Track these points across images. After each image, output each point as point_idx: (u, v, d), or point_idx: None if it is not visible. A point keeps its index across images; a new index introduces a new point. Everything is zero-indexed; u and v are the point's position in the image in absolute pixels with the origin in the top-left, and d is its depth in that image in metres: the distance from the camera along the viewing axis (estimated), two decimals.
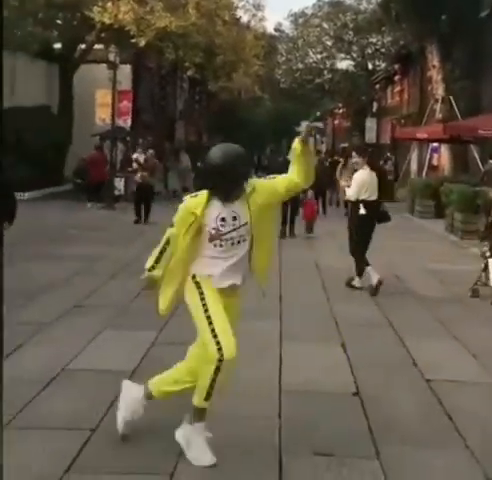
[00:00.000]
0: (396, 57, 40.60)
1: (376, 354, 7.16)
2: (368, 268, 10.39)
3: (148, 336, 7.50)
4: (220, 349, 4.35)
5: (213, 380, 4.41)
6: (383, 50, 48.91)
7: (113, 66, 24.67)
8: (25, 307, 8.77)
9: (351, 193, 10.54)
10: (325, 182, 21.17)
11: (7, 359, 6.52)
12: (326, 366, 6.68)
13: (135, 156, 20.33)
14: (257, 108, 65.33)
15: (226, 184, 4.44)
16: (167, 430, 4.90)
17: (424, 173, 28.83)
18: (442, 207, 20.26)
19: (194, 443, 4.54)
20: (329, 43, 52.26)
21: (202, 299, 4.52)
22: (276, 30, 53.65)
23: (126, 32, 25.37)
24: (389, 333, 8.06)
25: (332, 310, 9.07)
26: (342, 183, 11.28)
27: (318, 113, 72.09)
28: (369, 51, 50.61)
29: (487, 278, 10.24)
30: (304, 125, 4.52)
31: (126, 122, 28.30)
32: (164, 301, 4.72)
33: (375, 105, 46.81)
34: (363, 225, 10.51)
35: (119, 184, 24.73)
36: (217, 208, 4.50)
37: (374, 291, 10.17)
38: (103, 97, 26.45)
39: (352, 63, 52.25)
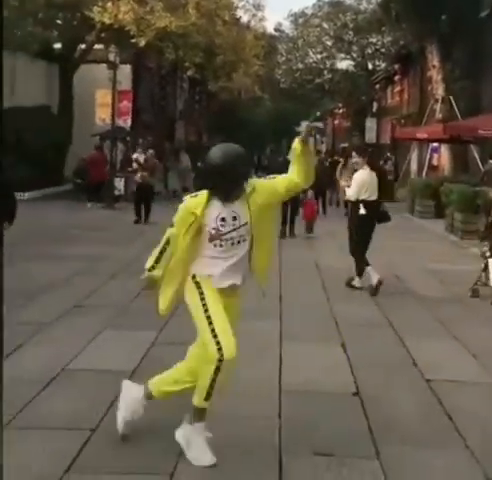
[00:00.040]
0: (396, 57, 40.60)
1: (376, 354, 7.16)
2: (368, 268, 10.39)
3: (148, 336, 7.50)
4: (220, 349, 4.34)
5: (213, 380, 4.41)
6: (383, 50, 48.91)
7: (113, 66, 24.68)
8: (25, 307, 8.77)
9: (351, 193, 10.54)
10: (325, 182, 21.18)
11: (7, 359, 6.52)
12: (326, 366, 6.68)
13: (135, 156, 20.33)
14: (257, 108, 65.34)
15: (226, 184, 4.44)
16: (167, 430, 4.90)
17: (424, 173, 28.83)
18: (442, 207, 20.26)
19: (194, 443, 4.54)
20: (329, 43, 52.26)
21: (202, 299, 4.52)
22: (276, 30, 53.70)
23: (126, 32, 25.37)
24: (389, 333, 8.06)
25: (332, 310, 9.07)
26: (342, 183, 11.28)
27: (318, 113, 72.09)
28: (369, 51, 50.61)
29: (487, 278, 10.24)
30: (304, 125, 4.52)
31: (126, 122, 28.30)
32: (164, 301, 4.72)
33: (375, 105, 46.82)
34: (363, 225, 10.51)
35: (119, 184, 24.72)
36: (217, 208, 4.50)
37: (374, 291, 10.17)
38: (103, 97, 26.45)
39: (352, 63, 52.26)
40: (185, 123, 48.00)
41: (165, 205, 20.72)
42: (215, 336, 4.38)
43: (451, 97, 26.21)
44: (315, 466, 4.53)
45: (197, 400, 4.53)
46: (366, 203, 10.42)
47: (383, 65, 48.37)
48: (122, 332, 7.77)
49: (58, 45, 29.48)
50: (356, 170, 10.69)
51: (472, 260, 12.00)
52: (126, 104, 28.26)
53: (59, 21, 28.02)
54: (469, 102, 25.57)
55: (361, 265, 10.52)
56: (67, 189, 27.77)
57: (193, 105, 52.43)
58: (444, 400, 5.80)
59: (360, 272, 10.54)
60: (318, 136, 77.55)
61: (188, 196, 4.68)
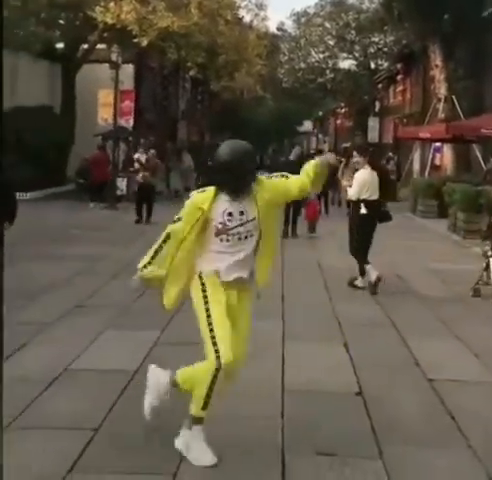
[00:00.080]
0: (398, 56, 40.57)
1: (378, 354, 7.16)
2: (367, 266, 10.39)
3: (150, 336, 7.50)
4: (218, 357, 4.33)
5: (210, 389, 4.39)
6: (385, 49, 48.82)
7: (115, 66, 24.68)
8: (27, 307, 8.78)
9: (352, 193, 10.55)
10: (327, 182, 21.12)
11: (9, 359, 6.53)
12: (328, 366, 6.68)
13: (136, 156, 20.33)
14: (259, 108, 65.33)
15: (234, 180, 4.45)
16: (170, 430, 4.90)
17: (427, 173, 28.80)
18: (445, 207, 20.25)
19: (194, 445, 4.52)
20: (331, 42, 52.19)
21: (206, 302, 4.52)
22: (278, 29, 53.64)
23: (128, 32, 25.37)
24: (391, 333, 8.06)
25: (334, 310, 9.06)
26: (343, 183, 11.28)
27: (320, 113, 72.11)
28: (371, 50, 50.53)
29: (488, 277, 10.25)
30: (326, 157, 4.64)
31: (128, 122, 28.29)
32: (169, 298, 4.69)
33: (377, 104, 46.76)
34: (364, 224, 10.51)
35: (121, 184, 24.72)
36: (224, 203, 4.52)
37: (373, 288, 10.19)
38: (105, 97, 26.45)
39: (354, 62, 52.19)
40: (187, 123, 47.98)
41: (167, 205, 20.73)
42: (215, 344, 4.38)
43: (454, 96, 26.18)
44: (318, 466, 4.52)
45: (194, 410, 4.51)
46: (367, 202, 10.42)
47: (385, 64, 48.32)
48: (124, 332, 7.77)
49: (60, 45, 29.49)
50: (357, 169, 10.70)
51: (474, 260, 11.99)
52: (128, 104, 28.25)
53: (61, 21, 28.03)
54: (472, 101, 25.55)
55: (363, 265, 10.52)
56: (69, 189, 27.79)
57: (195, 105, 52.41)
58: (446, 400, 5.79)
59: (362, 272, 10.54)
60: (320, 135, 77.67)
61: (195, 192, 4.67)
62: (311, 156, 33.48)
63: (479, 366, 6.90)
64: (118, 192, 24.26)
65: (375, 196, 10.50)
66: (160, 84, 40.72)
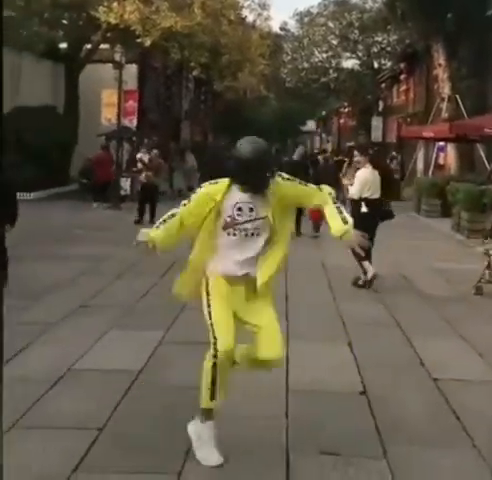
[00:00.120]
0: (402, 56, 40.53)
1: (383, 353, 7.15)
2: (366, 263, 10.38)
3: (155, 336, 7.50)
4: (215, 345, 4.36)
5: (213, 378, 4.41)
6: (389, 49, 48.82)
7: (119, 66, 24.66)
8: (31, 307, 8.78)
9: (354, 191, 10.58)
10: (330, 181, 21.16)
11: (14, 359, 6.54)
12: (333, 365, 6.67)
13: (139, 156, 20.30)
14: (262, 107, 65.28)
15: (252, 177, 4.42)
16: (174, 429, 4.91)
17: (430, 172, 28.78)
18: (448, 206, 20.22)
19: (204, 442, 4.52)
20: (334, 42, 52.20)
21: (208, 294, 4.54)
22: (281, 29, 53.65)
23: (132, 32, 25.37)
24: (396, 332, 8.05)
25: (338, 309, 9.06)
26: (344, 181, 11.32)
27: (323, 112, 72.10)
28: (375, 50, 50.54)
29: (491, 275, 10.27)
30: (357, 240, 4.83)
31: (132, 122, 28.28)
32: (181, 286, 4.74)
33: (381, 104, 46.75)
34: (365, 223, 10.51)
35: (125, 184, 24.71)
36: (236, 197, 4.50)
37: (369, 283, 10.28)
38: (109, 97, 26.44)
39: (358, 62, 52.19)
40: (191, 123, 48.02)
41: (170, 205, 20.71)
42: (213, 332, 4.39)
43: (457, 96, 26.14)
44: (322, 465, 4.52)
45: (203, 402, 4.53)
46: (368, 201, 10.43)
47: (389, 64, 48.29)
48: (128, 332, 7.77)
49: (64, 45, 29.48)
50: (358, 168, 10.72)
51: (478, 259, 11.96)
52: (132, 104, 28.24)
53: (65, 21, 28.04)
54: (475, 101, 25.51)
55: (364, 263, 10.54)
56: (73, 189, 27.78)
57: (199, 105, 52.44)
58: (451, 399, 5.79)
59: (366, 270, 10.54)
60: (324, 135, 77.67)
61: (207, 183, 4.64)
62: (315, 156, 33.43)
63: (484, 365, 6.89)
64: (122, 192, 24.25)
65: (376, 195, 10.51)
66: (163, 84, 40.77)
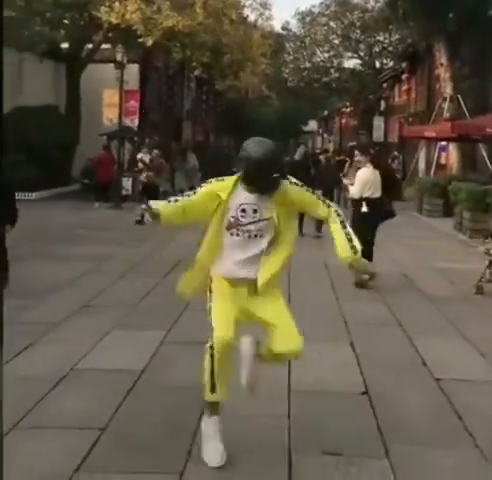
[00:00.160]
0: (403, 55, 40.50)
1: (385, 353, 7.16)
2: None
3: (157, 335, 7.51)
4: (212, 336, 4.39)
5: (212, 369, 4.43)
6: (390, 48, 48.80)
7: (120, 66, 24.67)
8: (34, 307, 8.79)
9: (354, 191, 10.59)
10: (332, 181, 21.15)
11: (16, 359, 6.54)
12: (335, 365, 6.67)
13: (140, 156, 20.28)
14: (264, 107, 65.30)
15: (261, 177, 4.39)
16: (176, 429, 4.91)
17: (432, 172, 28.77)
18: (450, 206, 20.23)
19: (209, 437, 4.51)
20: (336, 42, 52.17)
21: (210, 291, 4.56)
22: (283, 29, 53.58)
23: (133, 32, 25.38)
24: (398, 332, 8.05)
25: (341, 309, 9.06)
26: (345, 181, 11.34)
27: (325, 112, 72.08)
28: (376, 49, 50.52)
29: (491, 275, 10.29)
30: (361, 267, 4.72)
31: (133, 122, 28.29)
32: (185, 285, 4.74)
33: (383, 104, 46.71)
34: (365, 222, 10.53)
35: (127, 184, 24.73)
36: (241, 197, 4.49)
37: (365, 282, 10.35)
38: (110, 97, 26.45)
39: (359, 62, 52.17)
40: (192, 123, 47.99)
41: None
42: (211, 324, 4.42)
43: (459, 95, 26.13)
44: (324, 465, 4.52)
45: (206, 394, 4.55)
46: (369, 201, 10.44)
47: (390, 63, 48.28)
48: (131, 332, 7.77)
49: (65, 45, 29.48)
50: (359, 168, 10.74)
51: (481, 259, 11.96)
52: (133, 104, 28.25)
53: (66, 21, 28.02)
54: (477, 100, 25.50)
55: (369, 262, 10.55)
56: (75, 189, 27.80)
57: (200, 105, 52.42)
58: (453, 399, 5.79)
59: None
60: (325, 135, 77.65)
61: (213, 179, 4.62)
62: (316, 155, 33.38)
63: (486, 365, 6.89)
64: (123, 192, 24.27)
65: (377, 194, 10.52)
66: (165, 84, 40.75)
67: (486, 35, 24.98)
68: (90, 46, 29.44)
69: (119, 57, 24.87)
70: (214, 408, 4.57)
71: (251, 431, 4.96)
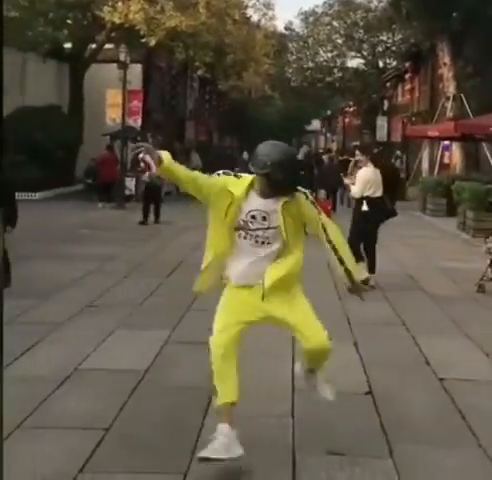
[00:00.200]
0: (407, 55, 40.45)
1: (388, 353, 7.15)
2: (361, 264, 10.33)
3: (161, 335, 7.51)
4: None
5: (214, 371, 4.44)
6: (394, 48, 48.73)
7: (123, 66, 24.69)
8: (38, 307, 8.80)
9: (356, 190, 10.58)
10: (335, 181, 21.12)
11: (20, 358, 6.55)
12: (338, 365, 6.64)
13: (142, 155, 20.23)
14: (267, 107, 65.26)
15: (283, 180, 4.34)
16: (180, 430, 4.92)
17: (435, 171, 28.74)
18: (454, 205, 20.22)
19: (217, 442, 4.44)
20: (339, 41, 52.12)
21: (223, 295, 4.60)
22: (286, 29, 53.53)
23: (136, 32, 25.39)
24: (401, 332, 8.05)
25: (344, 309, 9.05)
26: (346, 181, 11.34)
27: (328, 112, 72.05)
28: (380, 49, 50.45)
29: None
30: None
31: (136, 122, 28.29)
32: (202, 285, 4.70)
33: (386, 103, 46.64)
34: (365, 221, 10.53)
35: (130, 184, 24.75)
36: (252, 203, 4.45)
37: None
38: (113, 97, 26.47)
39: (362, 61, 52.11)
40: (195, 123, 47.98)
41: (176, 205, 20.77)
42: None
43: (462, 95, 26.11)
44: (328, 465, 4.52)
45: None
46: (370, 200, 10.44)
47: (394, 63, 48.21)
48: (135, 331, 7.77)
49: (68, 45, 29.52)
50: (360, 167, 10.74)
51: (484, 258, 11.96)
52: (136, 104, 28.25)
53: (69, 21, 28.04)
54: (480, 100, 25.46)
55: (372, 261, 10.53)
56: (78, 189, 27.84)
57: (203, 105, 52.42)
58: (457, 399, 5.78)
59: (371, 269, 10.54)
60: (329, 134, 77.62)
61: (231, 177, 4.53)
62: (319, 155, 33.34)
63: (490, 365, 6.88)
64: (126, 192, 24.28)
65: (378, 193, 10.52)
66: (168, 84, 40.76)
67: (489, 34, 24.92)
68: (93, 46, 29.48)
69: (122, 57, 24.89)
70: (219, 413, 4.51)
71: (255, 431, 4.95)
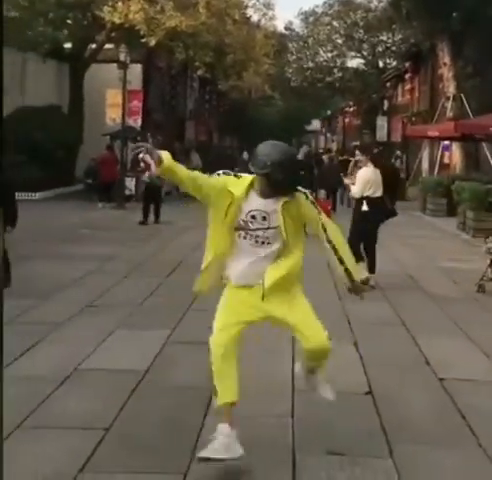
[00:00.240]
0: (407, 55, 40.44)
1: (388, 353, 7.15)
2: (361, 264, 10.33)
3: (161, 335, 7.51)
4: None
5: (213, 371, 4.44)
6: (394, 48, 48.73)
7: (123, 66, 24.68)
8: (38, 307, 8.80)
9: (356, 190, 10.59)
10: (335, 181, 21.12)
11: (20, 358, 6.56)
12: (338, 365, 6.64)
13: (142, 155, 20.22)
14: (267, 107, 65.28)
15: (278, 180, 4.33)
16: (180, 429, 4.92)
17: (436, 171, 28.75)
18: (454, 205, 20.22)
19: (217, 442, 4.46)
20: (339, 41, 52.12)
21: (223, 295, 4.60)
22: (286, 29, 53.52)
23: (136, 32, 25.38)
24: (401, 331, 8.05)
25: (344, 309, 9.05)
26: (346, 181, 11.35)
27: (328, 112, 72.04)
28: (380, 49, 50.45)
29: None
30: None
31: (136, 122, 28.28)
32: (202, 285, 4.69)
33: (386, 103, 46.65)
34: (365, 221, 10.53)
35: (130, 184, 24.75)
36: (252, 203, 4.45)
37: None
38: (113, 97, 26.47)
39: (362, 61, 52.10)
40: (195, 123, 47.99)
41: (176, 205, 20.78)
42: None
43: (462, 95, 26.11)
44: (328, 465, 4.52)
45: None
46: (370, 200, 10.44)
47: (394, 63, 48.21)
48: (135, 331, 7.77)
49: (68, 45, 29.52)
50: (360, 167, 10.74)
51: (484, 258, 11.96)
52: (136, 104, 28.25)
53: (69, 21, 28.03)
54: (480, 100, 25.45)
55: (373, 262, 10.53)
56: (78, 189, 27.84)
57: (203, 105, 52.41)
58: (457, 399, 5.79)
59: (371, 268, 10.54)
60: (329, 134, 77.63)
61: (231, 177, 4.52)
62: (319, 155, 33.32)
63: (489, 365, 6.88)
64: (127, 192, 24.29)
65: (378, 193, 10.52)
66: (168, 84, 40.76)
67: (489, 34, 24.92)
68: (93, 46, 29.48)
69: (122, 57, 24.89)
70: (219, 413, 4.50)
71: (255, 431, 4.95)
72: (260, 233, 4.47)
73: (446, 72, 27.19)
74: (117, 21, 25.10)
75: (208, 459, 4.29)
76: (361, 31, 50.11)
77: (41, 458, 4.54)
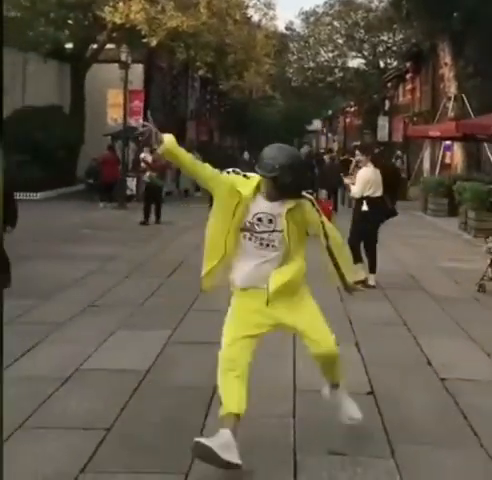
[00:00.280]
0: (408, 55, 40.44)
1: (390, 353, 7.14)
2: (360, 265, 10.31)
3: (162, 335, 7.50)
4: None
5: (220, 382, 4.42)
6: (394, 48, 48.76)
7: (125, 66, 24.68)
8: (38, 307, 8.80)
9: (356, 190, 10.58)
10: (336, 181, 21.11)
11: (22, 359, 6.55)
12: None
13: (142, 156, 20.24)
14: (268, 107, 65.32)
15: (285, 183, 4.33)
16: (182, 430, 4.91)
17: (437, 171, 28.74)
18: (455, 205, 20.21)
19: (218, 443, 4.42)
20: (340, 41, 52.14)
21: (230, 305, 4.60)
22: (287, 29, 53.55)
23: (137, 32, 25.40)
24: (403, 332, 8.04)
25: (346, 309, 9.04)
26: (346, 181, 11.35)
27: (329, 112, 72.04)
28: (380, 49, 50.47)
29: None
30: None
31: (138, 122, 28.29)
32: (208, 283, 4.66)
33: (387, 103, 46.65)
34: (365, 221, 10.53)
35: (131, 184, 24.77)
36: (259, 205, 4.44)
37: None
38: (115, 97, 26.46)
39: (363, 61, 52.12)
40: (196, 123, 48.00)
41: (177, 205, 20.77)
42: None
43: (463, 95, 26.09)
44: (330, 465, 4.52)
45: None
46: (370, 199, 10.43)
47: (395, 63, 48.23)
48: (136, 332, 7.77)
49: (69, 45, 29.53)
50: (360, 167, 10.74)
51: (485, 258, 11.96)
52: (138, 104, 28.23)
53: (70, 21, 28.04)
54: (482, 100, 25.43)
55: (373, 261, 10.53)
56: (79, 189, 27.85)
57: (204, 104, 52.43)
58: (458, 399, 5.78)
59: (372, 268, 10.53)
60: (330, 134, 77.63)
61: (240, 176, 4.51)
62: (320, 155, 33.31)
63: (491, 365, 6.87)
64: (128, 192, 24.29)
65: (378, 193, 10.52)
66: (169, 84, 40.77)
67: (490, 34, 24.91)
68: (94, 46, 29.50)
69: (123, 57, 24.88)
70: (224, 420, 4.42)
71: (256, 431, 4.95)
72: (265, 236, 4.47)
73: (447, 72, 27.17)
74: (118, 21, 25.11)
75: (204, 446, 4.21)
76: (362, 31, 50.12)
77: (42, 458, 4.54)
